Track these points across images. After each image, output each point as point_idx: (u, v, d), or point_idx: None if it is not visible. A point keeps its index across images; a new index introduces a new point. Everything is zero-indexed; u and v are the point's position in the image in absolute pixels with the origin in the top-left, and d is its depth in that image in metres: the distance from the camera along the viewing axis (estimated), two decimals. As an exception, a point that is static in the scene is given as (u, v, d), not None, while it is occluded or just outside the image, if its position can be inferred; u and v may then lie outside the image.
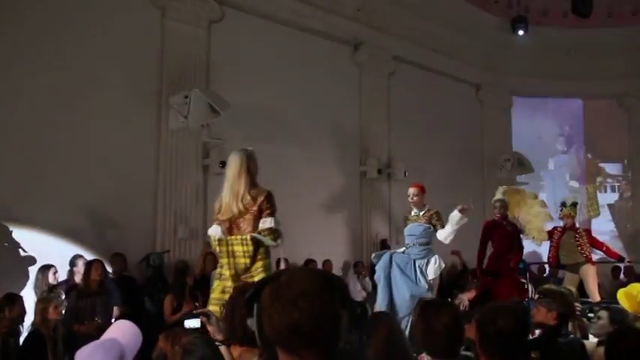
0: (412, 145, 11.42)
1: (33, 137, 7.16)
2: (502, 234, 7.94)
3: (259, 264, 4.73)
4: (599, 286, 11.30)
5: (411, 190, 6.73)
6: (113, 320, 6.59)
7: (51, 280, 6.37)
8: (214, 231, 4.84)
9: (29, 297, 6.19)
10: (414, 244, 6.53)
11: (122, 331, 2.73)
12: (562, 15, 12.57)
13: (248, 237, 4.68)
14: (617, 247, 13.53)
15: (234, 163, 4.86)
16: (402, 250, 6.66)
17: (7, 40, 7.10)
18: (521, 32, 12.55)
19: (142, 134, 8.16)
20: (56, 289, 6.30)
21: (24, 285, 6.68)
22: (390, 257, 6.52)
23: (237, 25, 9.22)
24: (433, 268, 6.41)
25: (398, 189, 11.05)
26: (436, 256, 6.52)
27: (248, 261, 4.68)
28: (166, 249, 8.05)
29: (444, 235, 6.48)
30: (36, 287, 6.39)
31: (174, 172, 8.35)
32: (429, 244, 6.58)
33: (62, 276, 6.89)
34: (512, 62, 13.35)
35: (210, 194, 8.68)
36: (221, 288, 4.71)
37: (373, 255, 6.94)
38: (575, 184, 14.24)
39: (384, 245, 10.53)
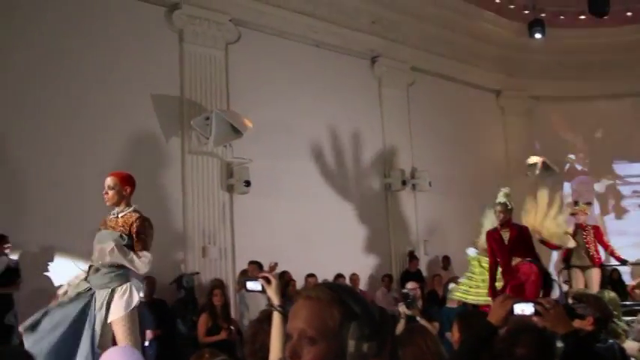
0: (435, 155, 11.39)
1: (59, 165, 7.30)
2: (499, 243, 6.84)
3: None
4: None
5: (106, 181, 4.48)
6: (147, 344, 6.64)
7: None
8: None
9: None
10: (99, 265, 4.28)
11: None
12: (578, 15, 12.48)
13: None
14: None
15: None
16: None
17: (30, 67, 7.27)
18: (538, 35, 12.43)
19: (167, 157, 8.29)
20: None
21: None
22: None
23: (253, 45, 9.33)
24: (119, 304, 4.15)
25: (423, 199, 11.04)
26: (129, 283, 4.25)
27: None
28: (196, 271, 8.08)
29: (137, 263, 4.23)
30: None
31: (200, 193, 8.44)
32: (123, 266, 4.25)
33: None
34: (531, 66, 13.25)
35: (237, 213, 8.74)
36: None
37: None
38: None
39: (412, 257, 10.49)
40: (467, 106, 12.38)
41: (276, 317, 2.57)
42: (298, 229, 9.20)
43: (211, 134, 8.07)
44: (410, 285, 7.18)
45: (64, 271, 5.81)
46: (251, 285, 2.83)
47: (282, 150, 9.20)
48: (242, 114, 8.33)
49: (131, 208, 4.49)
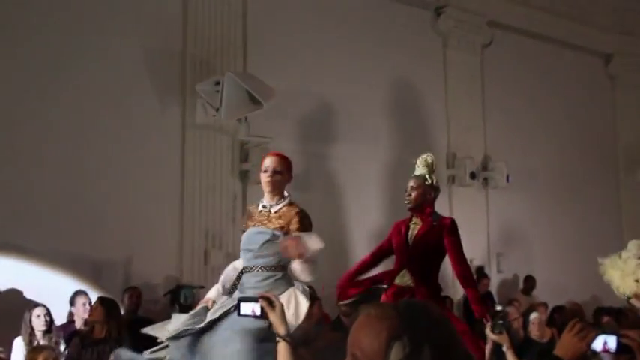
0: (517, 141, 11.23)
1: (22, 138, 7.32)
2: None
3: None
4: None
5: (271, 162, 4.64)
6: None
7: (36, 324, 6.36)
8: None
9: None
10: (252, 268, 4.59)
11: None
12: None
13: None
14: None
15: None
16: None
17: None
18: (666, -19, 12.03)
19: (162, 133, 8.20)
20: (51, 336, 6.34)
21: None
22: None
23: (280, -12, 9.21)
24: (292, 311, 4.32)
25: (498, 199, 10.81)
26: (293, 288, 4.52)
27: None
28: (200, 284, 7.97)
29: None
30: (24, 333, 6.43)
31: (204, 180, 8.38)
32: (284, 269, 4.55)
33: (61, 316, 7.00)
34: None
35: (250, 209, 8.64)
36: None
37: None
38: None
39: (481, 274, 10.25)
40: (563, 76, 12.09)
41: (282, 347, 2.64)
42: (332, 229, 9.04)
43: (222, 104, 7.94)
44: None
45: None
46: (245, 308, 2.78)
47: (313, 128, 9.11)
48: (262, 79, 8.16)
49: (286, 201, 4.66)
